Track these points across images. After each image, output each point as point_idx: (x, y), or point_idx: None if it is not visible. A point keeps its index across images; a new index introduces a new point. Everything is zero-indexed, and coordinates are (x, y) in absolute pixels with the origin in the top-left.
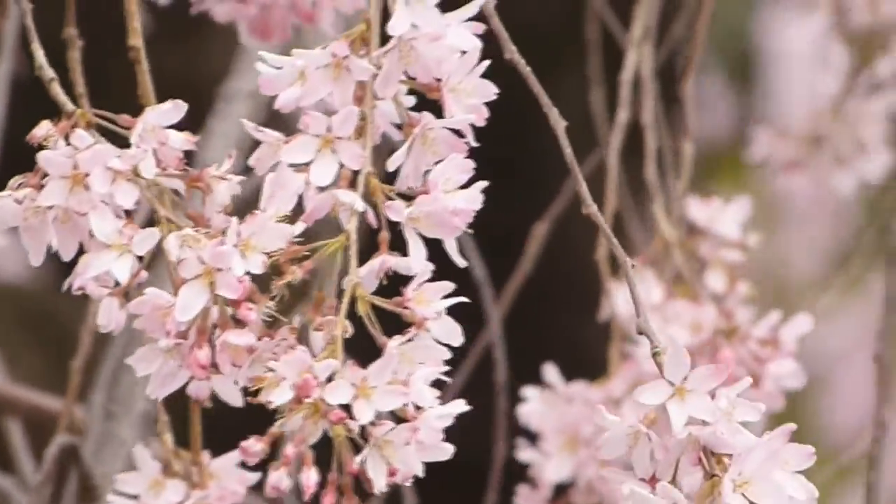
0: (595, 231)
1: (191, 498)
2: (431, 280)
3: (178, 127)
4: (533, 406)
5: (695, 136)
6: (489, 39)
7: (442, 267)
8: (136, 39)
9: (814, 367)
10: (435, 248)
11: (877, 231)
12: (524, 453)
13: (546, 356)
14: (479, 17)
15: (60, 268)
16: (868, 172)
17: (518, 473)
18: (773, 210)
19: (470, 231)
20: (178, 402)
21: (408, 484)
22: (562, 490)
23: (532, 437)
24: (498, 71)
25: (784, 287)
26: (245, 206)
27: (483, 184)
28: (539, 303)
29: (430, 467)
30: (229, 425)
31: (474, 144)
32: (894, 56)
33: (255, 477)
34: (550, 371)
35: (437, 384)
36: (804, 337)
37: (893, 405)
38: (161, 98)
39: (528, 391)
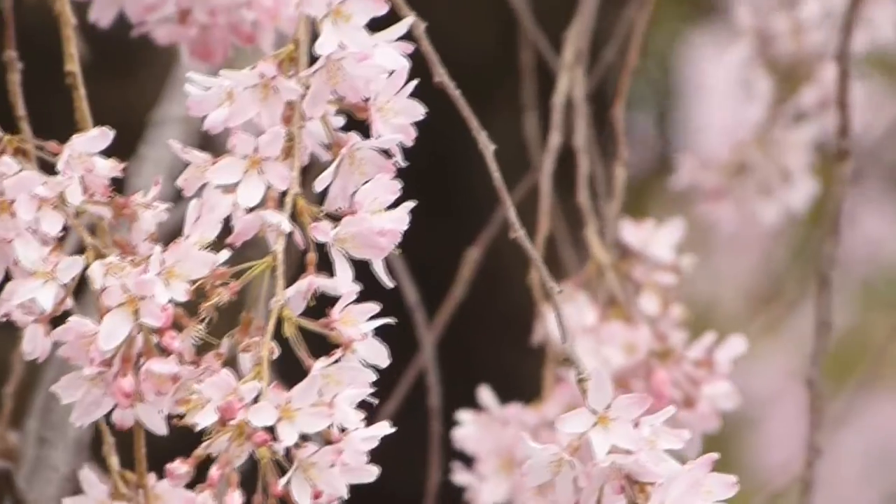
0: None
1: None
2: (361, 301)
3: (108, 154)
4: (468, 429)
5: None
6: (421, 63)
7: (376, 292)
8: (73, 65)
9: (742, 408)
10: (367, 271)
11: (805, 259)
12: (460, 476)
13: (480, 380)
14: (409, 40)
15: None
16: (792, 202)
17: (454, 498)
18: (701, 238)
19: (400, 254)
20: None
21: None
22: None
23: (467, 461)
24: (433, 95)
25: (711, 316)
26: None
27: (410, 204)
28: (473, 327)
29: (365, 493)
30: (173, 447)
31: (402, 164)
32: (818, 85)
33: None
34: (485, 394)
35: (363, 406)
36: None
37: (825, 431)
38: (97, 126)
39: (464, 415)
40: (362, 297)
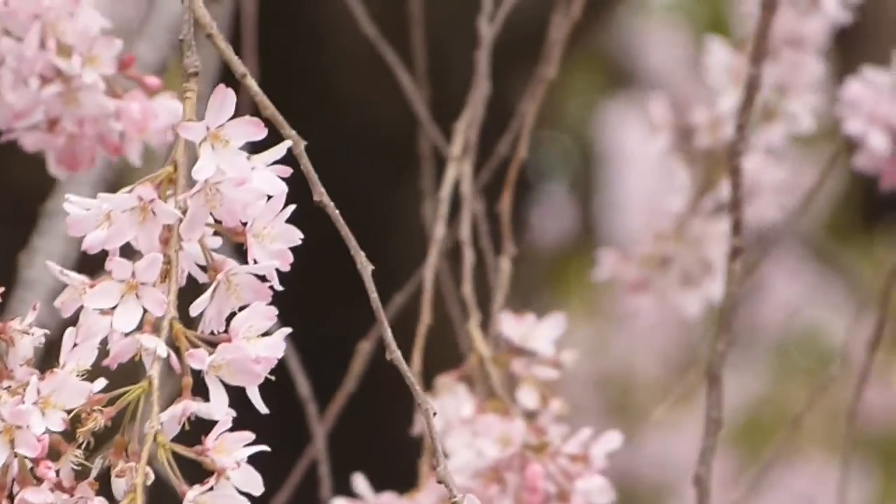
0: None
1: None
2: (235, 428)
3: (10, 228)
4: None
5: (542, 241)
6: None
7: (267, 388)
8: None
9: (664, 474)
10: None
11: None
12: None
13: (368, 469)
14: (289, 161)
15: None
16: (713, 293)
17: None
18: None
19: (294, 348)
20: None
21: None
22: None
23: None
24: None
25: (630, 384)
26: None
27: (286, 331)
28: (363, 418)
29: None
30: None
31: (279, 288)
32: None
33: None
34: (360, 482)
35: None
36: (644, 445)
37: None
38: None
39: (339, 501)
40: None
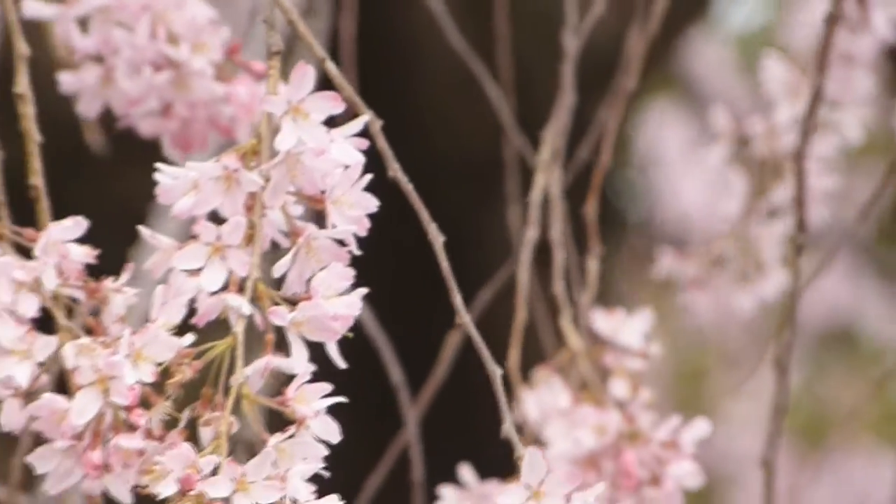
0: (507, 340)
1: None
2: (314, 381)
3: (118, 236)
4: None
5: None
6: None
7: (364, 371)
8: (36, 178)
9: (726, 467)
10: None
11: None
12: None
13: (461, 455)
14: (366, 136)
15: None
16: (766, 292)
17: None
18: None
19: (388, 338)
20: None
21: None
22: None
23: None
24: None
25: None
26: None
27: (363, 290)
28: (454, 405)
29: None
30: None
31: (357, 253)
32: (790, 183)
33: None
34: (466, 471)
35: (315, 479)
36: (713, 438)
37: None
38: (98, 215)
39: (445, 490)
40: (350, 376)
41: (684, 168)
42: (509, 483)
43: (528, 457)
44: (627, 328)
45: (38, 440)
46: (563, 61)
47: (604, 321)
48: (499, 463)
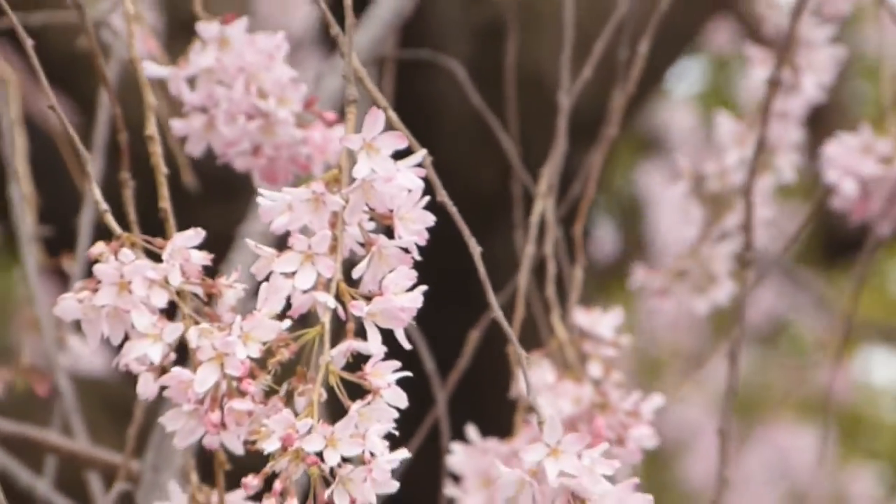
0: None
1: None
2: (386, 360)
3: (201, 249)
4: (458, 457)
5: (592, 262)
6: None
7: (401, 359)
8: (165, 202)
9: (679, 434)
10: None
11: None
12: (451, 490)
13: (477, 424)
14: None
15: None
16: (718, 298)
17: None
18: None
19: (421, 333)
20: (206, 458)
21: None
22: None
23: (457, 479)
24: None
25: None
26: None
27: (423, 287)
28: (474, 387)
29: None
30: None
31: (418, 258)
32: (737, 213)
33: None
34: (471, 431)
35: (388, 437)
36: (664, 409)
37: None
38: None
39: (455, 446)
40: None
41: (656, 203)
42: (507, 440)
43: (549, 421)
44: (603, 323)
45: (149, 415)
46: (558, 115)
47: (584, 317)
48: (501, 430)
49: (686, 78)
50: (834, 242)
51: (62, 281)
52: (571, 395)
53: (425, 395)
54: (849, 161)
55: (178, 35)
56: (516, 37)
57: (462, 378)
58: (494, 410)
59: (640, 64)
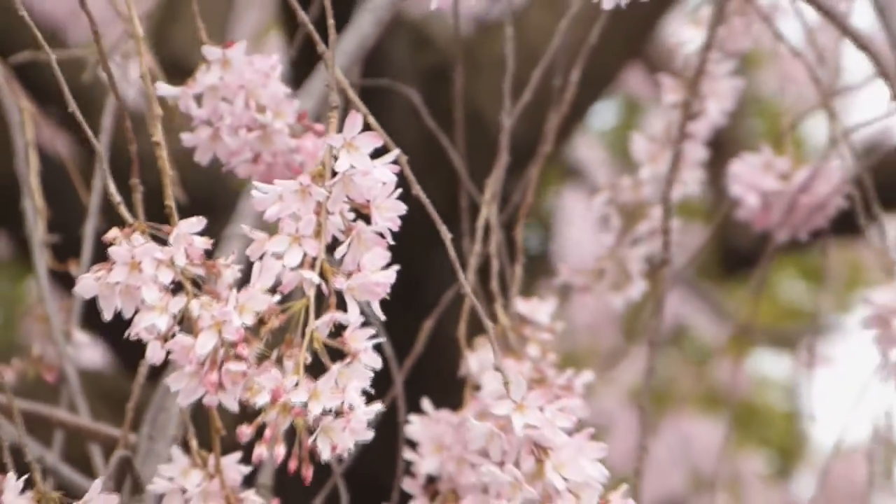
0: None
1: (207, 481)
2: (361, 326)
3: (202, 234)
4: (415, 426)
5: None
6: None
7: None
8: (170, 200)
9: (596, 421)
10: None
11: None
12: (408, 455)
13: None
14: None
15: (123, 359)
16: (633, 295)
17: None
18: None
19: (384, 325)
20: (202, 426)
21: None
22: (431, 479)
23: (414, 445)
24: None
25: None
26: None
27: (395, 267)
28: (426, 369)
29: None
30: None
31: (391, 243)
32: (649, 221)
33: (246, 469)
34: (426, 404)
35: (364, 393)
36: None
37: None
38: None
39: (412, 417)
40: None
41: (579, 217)
42: (457, 412)
43: (514, 380)
44: (540, 311)
45: (144, 394)
46: (500, 134)
47: (524, 306)
48: (450, 404)
49: (602, 116)
50: (730, 259)
51: (68, 284)
52: (513, 372)
53: (385, 376)
54: (752, 177)
55: (170, 73)
56: (462, 77)
57: (416, 361)
58: (444, 388)
59: (571, 89)
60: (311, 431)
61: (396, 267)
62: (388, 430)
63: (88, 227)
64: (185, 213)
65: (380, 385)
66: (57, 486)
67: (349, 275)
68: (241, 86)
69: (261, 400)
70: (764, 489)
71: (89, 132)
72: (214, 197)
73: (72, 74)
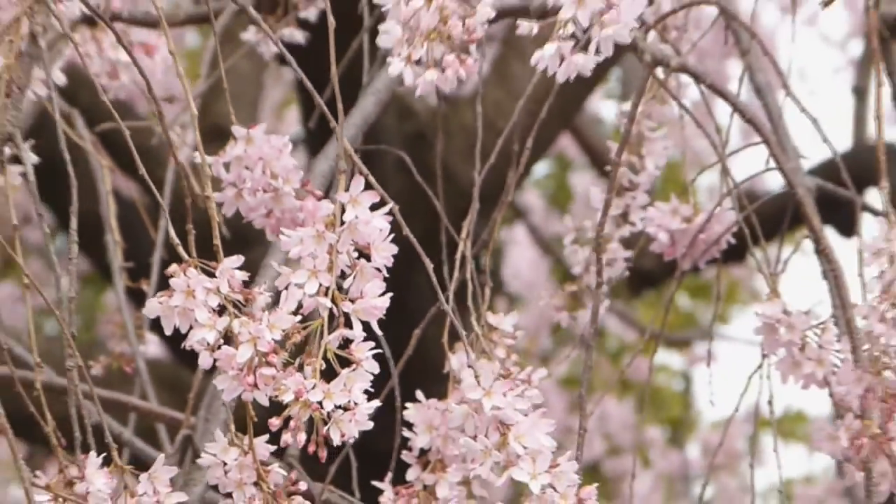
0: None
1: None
2: (365, 341)
3: (241, 268)
4: (411, 411)
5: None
6: None
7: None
8: (217, 240)
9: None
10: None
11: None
12: (405, 433)
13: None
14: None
15: (179, 355)
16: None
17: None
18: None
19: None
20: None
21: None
22: (423, 452)
23: (410, 426)
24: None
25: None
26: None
27: (389, 295)
28: (417, 369)
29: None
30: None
31: (387, 275)
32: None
33: (272, 448)
34: (420, 395)
35: (366, 392)
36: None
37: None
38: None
39: (409, 404)
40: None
41: (520, 246)
42: (443, 400)
43: (483, 371)
44: (505, 322)
45: (201, 386)
46: (472, 187)
47: (492, 318)
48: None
49: (537, 169)
50: (636, 278)
51: (139, 297)
52: (483, 368)
53: (384, 373)
54: (662, 220)
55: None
56: (440, 142)
57: (409, 362)
58: (432, 382)
59: (526, 153)
60: (325, 422)
61: (389, 295)
62: (388, 415)
63: (156, 256)
64: (227, 244)
65: (381, 381)
66: (130, 460)
67: (354, 300)
68: (260, 157)
69: (287, 398)
70: (663, 454)
71: (154, 188)
72: (248, 232)
73: (141, 139)
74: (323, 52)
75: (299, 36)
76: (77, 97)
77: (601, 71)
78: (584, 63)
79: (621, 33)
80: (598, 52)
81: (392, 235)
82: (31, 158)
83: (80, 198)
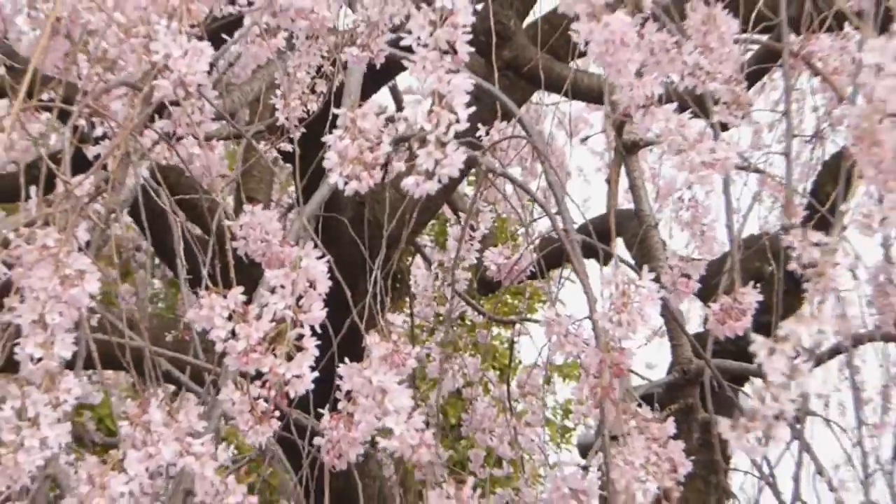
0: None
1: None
2: (311, 337)
3: (243, 293)
4: (342, 369)
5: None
6: None
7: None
8: (231, 272)
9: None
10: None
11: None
12: (339, 383)
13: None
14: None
15: None
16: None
17: None
18: None
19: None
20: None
21: None
22: (348, 393)
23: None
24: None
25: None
26: None
27: (326, 310)
28: (349, 347)
29: None
30: None
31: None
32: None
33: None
34: (346, 360)
35: (311, 367)
36: None
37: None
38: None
39: (341, 365)
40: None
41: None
42: (362, 365)
43: (375, 351)
44: (398, 319)
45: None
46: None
47: (392, 317)
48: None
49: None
50: (482, 286)
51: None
52: (380, 346)
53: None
54: (494, 257)
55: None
56: (373, 210)
57: (343, 341)
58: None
59: (416, 228)
60: (285, 384)
61: (324, 312)
62: (331, 373)
63: (204, 272)
64: (243, 265)
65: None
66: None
67: (305, 312)
68: (259, 223)
69: (265, 370)
70: (497, 386)
71: (201, 239)
72: (252, 261)
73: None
74: (305, 157)
75: (289, 147)
76: (167, 177)
77: (459, 179)
78: (431, 187)
79: (452, 171)
80: (440, 181)
81: (329, 276)
82: (126, 219)
83: (164, 235)
